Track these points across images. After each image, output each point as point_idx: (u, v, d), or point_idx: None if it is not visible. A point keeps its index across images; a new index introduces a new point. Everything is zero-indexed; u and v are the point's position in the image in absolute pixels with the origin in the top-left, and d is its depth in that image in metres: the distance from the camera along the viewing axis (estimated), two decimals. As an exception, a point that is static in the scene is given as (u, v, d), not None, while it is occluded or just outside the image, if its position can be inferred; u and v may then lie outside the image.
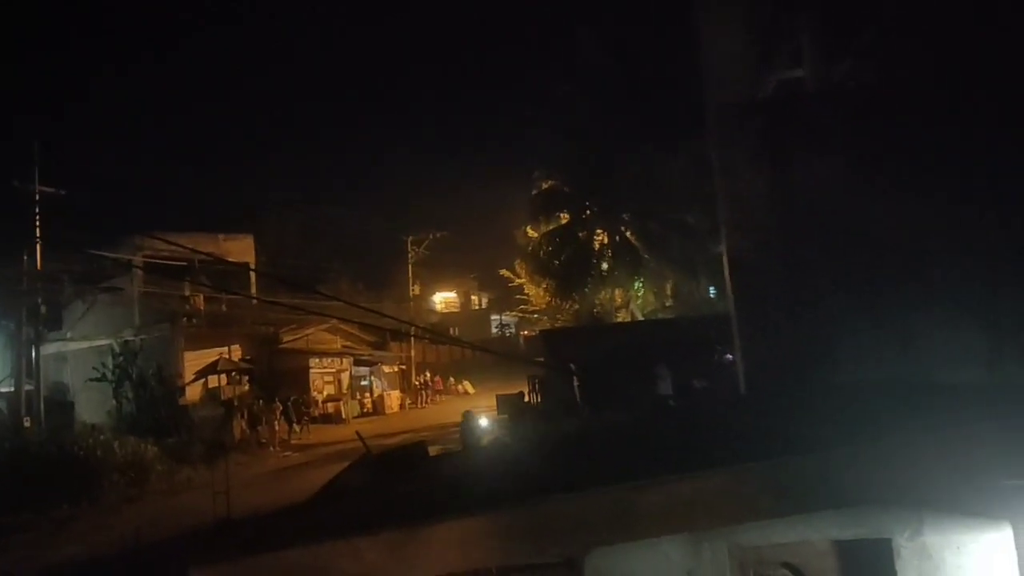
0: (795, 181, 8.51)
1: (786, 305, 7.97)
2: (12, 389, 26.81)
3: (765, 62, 11.08)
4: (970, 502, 4.24)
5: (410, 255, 45.15)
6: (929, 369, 7.06)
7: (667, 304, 28.72)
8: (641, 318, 27.63)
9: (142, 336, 29.64)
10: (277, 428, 28.06)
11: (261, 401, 29.02)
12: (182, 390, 28.94)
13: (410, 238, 44.95)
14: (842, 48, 10.49)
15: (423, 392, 41.23)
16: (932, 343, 7.23)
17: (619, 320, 28.32)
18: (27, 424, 25.17)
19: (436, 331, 45.62)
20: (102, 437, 22.25)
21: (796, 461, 4.29)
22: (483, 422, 20.29)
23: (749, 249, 8.53)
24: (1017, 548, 4.16)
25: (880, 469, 4.19)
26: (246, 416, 27.62)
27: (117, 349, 28.08)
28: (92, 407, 28.55)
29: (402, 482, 7.62)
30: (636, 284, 28.73)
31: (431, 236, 45.03)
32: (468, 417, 19.77)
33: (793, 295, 8.00)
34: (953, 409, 4.67)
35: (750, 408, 7.54)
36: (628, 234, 27.32)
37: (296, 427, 29.10)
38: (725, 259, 9.16)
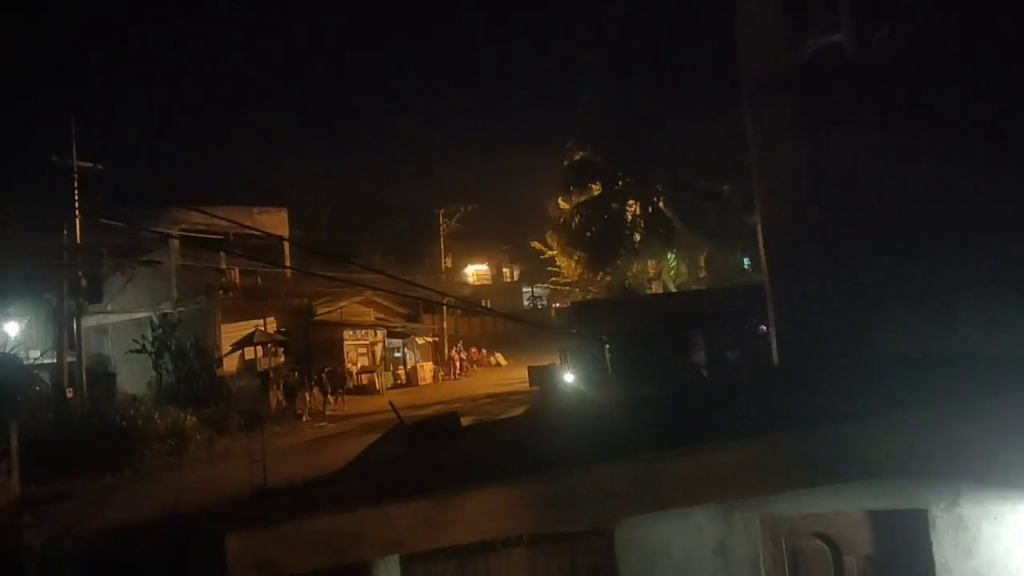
0: (831, 150, 8.37)
1: (821, 277, 7.87)
2: (55, 361, 27.48)
3: (801, 28, 10.85)
4: (1008, 473, 4.18)
5: (442, 228, 45.24)
6: (967, 341, 6.95)
7: (700, 276, 28.45)
8: (674, 290, 27.44)
9: (180, 308, 30.14)
10: (311, 399, 28.44)
11: (296, 372, 29.42)
12: (219, 361, 29.43)
13: (442, 211, 45.01)
14: (881, 12, 10.23)
15: (459, 363, 41.44)
16: (970, 315, 7.10)
17: (651, 292, 28.15)
18: (70, 395, 25.81)
19: (468, 302, 45.82)
20: (143, 407, 22.76)
21: (829, 432, 4.25)
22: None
23: (784, 220, 8.41)
24: (1056, 520, 4.10)
25: (916, 440, 4.14)
26: (282, 387, 28.03)
27: (156, 321, 28.60)
28: (132, 378, 29.19)
29: (435, 452, 7.69)
30: (669, 256, 28.48)
31: (463, 209, 45.07)
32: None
33: (828, 267, 7.89)
34: (991, 381, 4.59)
35: (783, 379, 7.48)
36: (661, 205, 27.03)
37: (331, 398, 29.47)
38: (759, 230, 9.04)
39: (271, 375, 28.77)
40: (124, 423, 21.21)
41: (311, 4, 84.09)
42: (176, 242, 30.06)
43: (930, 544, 4.34)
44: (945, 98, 8.07)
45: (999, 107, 7.75)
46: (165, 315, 28.98)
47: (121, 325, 32.23)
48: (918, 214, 7.76)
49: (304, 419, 27.06)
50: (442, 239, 45.52)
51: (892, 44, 10.73)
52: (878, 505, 4.44)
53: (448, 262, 47.42)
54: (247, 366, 30.69)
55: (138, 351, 28.21)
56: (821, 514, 4.52)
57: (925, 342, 7.09)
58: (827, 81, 9.26)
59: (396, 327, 38.51)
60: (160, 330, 28.32)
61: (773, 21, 9.15)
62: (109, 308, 32.29)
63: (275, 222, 36.79)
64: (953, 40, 9.08)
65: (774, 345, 8.72)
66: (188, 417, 23.00)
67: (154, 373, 28.00)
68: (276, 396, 27.57)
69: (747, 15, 9.22)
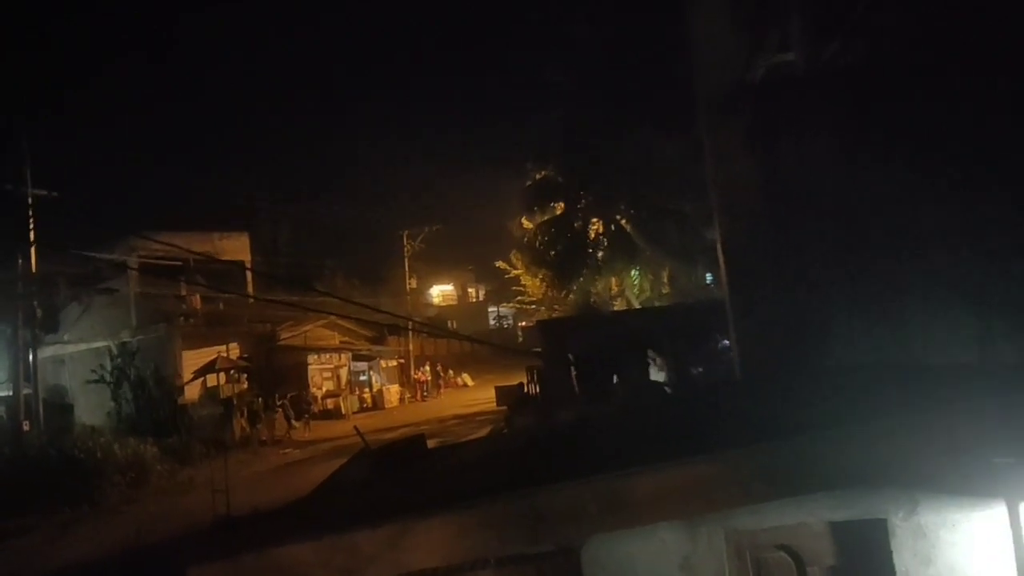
0: (786, 165, 8.53)
1: (779, 289, 8.00)
2: (10, 393, 26.80)
3: (754, 46, 11.07)
4: (964, 481, 4.26)
5: (406, 249, 45.12)
6: (921, 351, 7.10)
7: (664, 292, 28.70)
8: (637, 306, 27.63)
9: (139, 337, 29.63)
10: (275, 425, 28.08)
11: (260, 398, 29.04)
12: (181, 390, 28.95)
13: (406, 232, 44.92)
14: (830, 29, 10.48)
15: (426, 385, 41.22)
16: (923, 325, 7.26)
17: (616, 309, 28.31)
18: (26, 428, 25.16)
19: (433, 324, 45.66)
20: (102, 439, 22.28)
21: (790, 444, 4.31)
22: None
23: (741, 234, 8.55)
24: (1011, 524, 4.18)
25: (874, 450, 4.21)
26: (245, 414, 27.64)
27: (115, 350, 28.07)
28: (91, 409, 28.57)
29: (400, 476, 7.63)
30: (632, 273, 28.71)
31: (427, 229, 45.02)
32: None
33: (785, 279, 8.02)
34: (944, 390, 4.69)
35: (744, 393, 7.56)
36: (623, 223, 27.27)
37: (295, 423, 29.11)
38: (719, 245, 9.17)
39: (234, 402, 28.35)
40: (82, 455, 20.72)
41: (271, 28, 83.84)
42: (134, 270, 29.57)
43: (890, 553, 4.39)
44: (894, 111, 8.28)
45: (948, 120, 7.97)
46: (124, 344, 28.46)
47: (79, 355, 31.58)
48: (871, 226, 7.94)
49: (268, 446, 26.68)
50: (407, 260, 45.38)
51: (842, 59, 11.02)
52: (839, 516, 4.49)
53: (413, 283, 47.26)
54: (209, 393, 30.21)
55: (97, 381, 27.64)
56: (784, 526, 4.55)
57: (880, 352, 7.22)
58: (780, 98, 9.46)
59: (361, 350, 38.23)
60: (119, 359, 27.80)
61: (727, 41, 9.34)
62: (66, 338, 31.61)
63: (237, 247, 36.43)
64: (902, 54, 9.34)
65: (735, 359, 8.83)
66: (149, 447, 22.53)
67: (113, 403, 27.43)
68: (240, 423, 27.17)
69: (701, 36, 9.41)
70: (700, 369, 16.57)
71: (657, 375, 17.11)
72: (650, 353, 17.50)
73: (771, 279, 8.15)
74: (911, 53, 9.10)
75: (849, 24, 10.45)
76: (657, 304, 27.23)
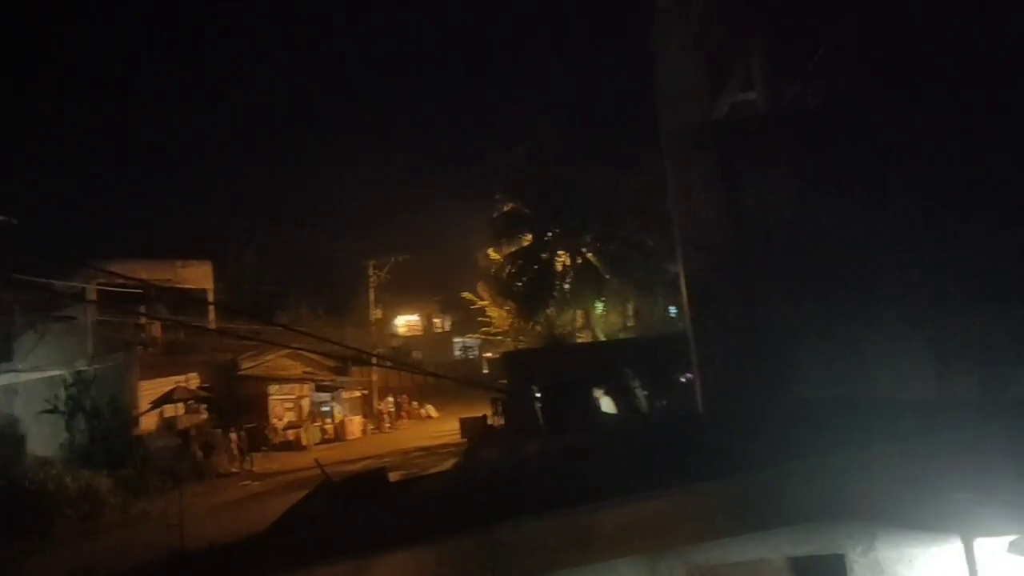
0: (749, 201, 8.64)
1: (741, 324, 8.06)
2: (-40, 423, 26.04)
3: (718, 85, 11.30)
4: (921, 516, 4.29)
5: (371, 279, 44.88)
6: (880, 386, 7.18)
7: (628, 324, 28.87)
8: (603, 338, 27.74)
9: (96, 366, 28.98)
10: (234, 457, 27.58)
11: (219, 430, 28.51)
12: (137, 420, 28.30)
13: (371, 262, 44.71)
14: (792, 71, 10.74)
15: (392, 416, 40.89)
16: (883, 360, 7.36)
17: (581, 341, 28.39)
18: (-25, 459, 24.40)
19: (398, 355, 45.31)
20: (53, 470, 21.68)
21: (750, 480, 4.32)
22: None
23: (704, 268, 8.62)
24: (967, 560, 4.21)
25: (832, 485, 4.23)
26: (202, 445, 27.11)
27: (70, 380, 27.43)
28: (44, 440, 27.77)
29: (361, 510, 7.51)
30: (598, 305, 28.87)
31: (392, 260, 44.86)
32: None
33: (748, 314, 8.08)
34: (903, 425, 4.74)
35: (707, 426, 7.59)
36: (589, 255, 27.48)
37: (253, 455, 28.58)
38: (682, 279, 9.25)
39: (192, 433, 27.80)
40: (33, 487, 20.14)
41: (233, 49, 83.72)
42: (93, 297, 29.01)
43: (849, 588, 4.41)
44: (853, 151, 8.47)
45: (906, 160, 8.18)
46: (79, 373, 27.82)
47: (32, 384, 30.73)
48: (832, 262, 8.06)
49: (226, 478, 26.15)
50: (372, 290, 45.12)
51: (803, 100, 11.28)
52: (799, 551, 4.50)
53: (378, 313, 46.93)
54: (167, 424, 29.56)
55: (50, 411, 26.94)
56: (745, 562, 4.55)
57: (840, 386, 7.30)
58: (743, 134, 9.63)
59: (324, 381, 37.80)
60: (74, 388, 27.16)
61: (691, 79, 9.50)
62: (20, 367, 30.80)
63: (199, 274, 35.94)
64: (861, 96, 9.59)
65: (698, 392, 8.86)
66: (102, 479, 21.97)
67: (67, 434, 26.73)
68: (197, 455, 26.63)
69: (666, 73, 9.56)
70: (664, 402, 16.63)
71: (622, 407, 17.12)
72: (614, 386, 17.53)
73: (733, 313, 8.22)
74: (868, 96, 9.35)
75: (809, 68, 10.74)
76: (622, 336, 27.36)
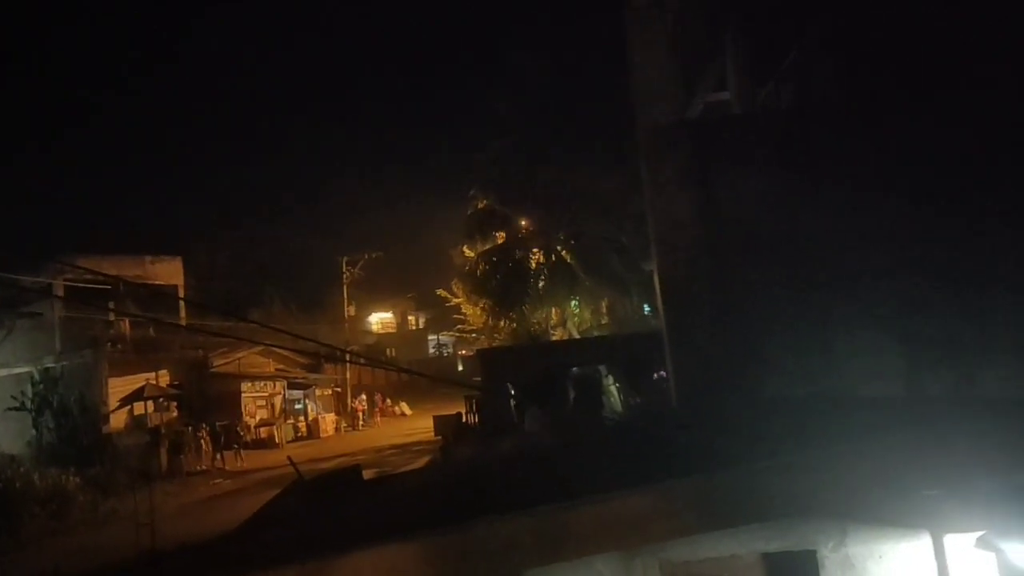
0: (722, 199, 8.71)
1: (714, 321, 8.12)
2: (-78, 420, 25.53)
3: (693, 85, 11.37)
4: (891, 512, 4.35)
5: (345, 276, 44.61)
6: (850, 383, 7.27)
7: (603, 322, 28.93)
8: (577, 336, 27.78)
9: (63, 363, 28.52)
10: (204, 455, 27.29)
11: (190, 428, 28.19)
12: (106, 418, 27.91)
13: (345, 258, 44.44)
14: (764, 72, 10.84)
15: (366, 413, 40.67)
16: (854, 358, 7.45)
17: (556, 338, 28.42)
18: (-60, 458, 23.93)
19: (372, 352, 45.11)
20: (21, 468, 21.34)
21: (722, 477, 4.35)
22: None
23: (678, 266, 8.68)
24: (935, 556, 4.27)
25: (803, 482, 4.27)
26: (172, 443, 26.79)
27: (37, 377, 27.00)
28: (11, 438, 27.27)
29: (334, 508, 7.46)
30: (572, 302, 28.89)
31: (366, 256, 44.62)
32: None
33: (721, 311, 8.15)
34: (873, 422, 4.80)
35: (680, 424, 7.63)
36: (564, 253, 27.50)
37: (226, 453, 28.30)
38: (656, 276, 9.30)
39: (162, 431, 27.47)
40: (1, 486, 19.78)
41: (208, 47, 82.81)
42: (60, 293, 28.55)
43: (820, 584, 4.45)
44: (823, 148, 8.57)
45: (875, 157, 8.28)
46: (47, 370, 27.38)
47: (-2, 381, 30.24)
48: (803, 261, 8.15)
49: (198, 476, 25.88)
50: (345, 287, 44.84)
51: (775, 100, 11.39)
52: (771, 547, 4.54)
53: (352, 310, 46.65)
54: (136, 422, 29.19)
55: (17, 408, 26.49)
56: (718, 558, 4.59)
57: (811, 383, 7.38)
58: (717, 133, 9.70)
59: (297, 378, 37.52)
60: (41, 386, 26.74)
61: (665, 79, 9.55)
62: (-15, 363, 30.28)
63: (169, 271, 35.50)
64: (831, 96, 9.69)
65: (672, 389, 8.92)
66: (71, 478, 21.62)
67: (34, 432, 26.32)
68: (167, 453, 26.32)
69: (641, 73, 9.60)
70: (638, 399, 16.71)
71: (594, 404, 17.18)
72: (587, 384, 17.59)
73: (707, 310, 8.28)
74: (838, 97, 9.46)
75: (781, 68, 10.85)
76: (597, 334, 27.42)
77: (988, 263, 7.59)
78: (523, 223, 28.45)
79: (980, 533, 4.15)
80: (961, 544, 4.24)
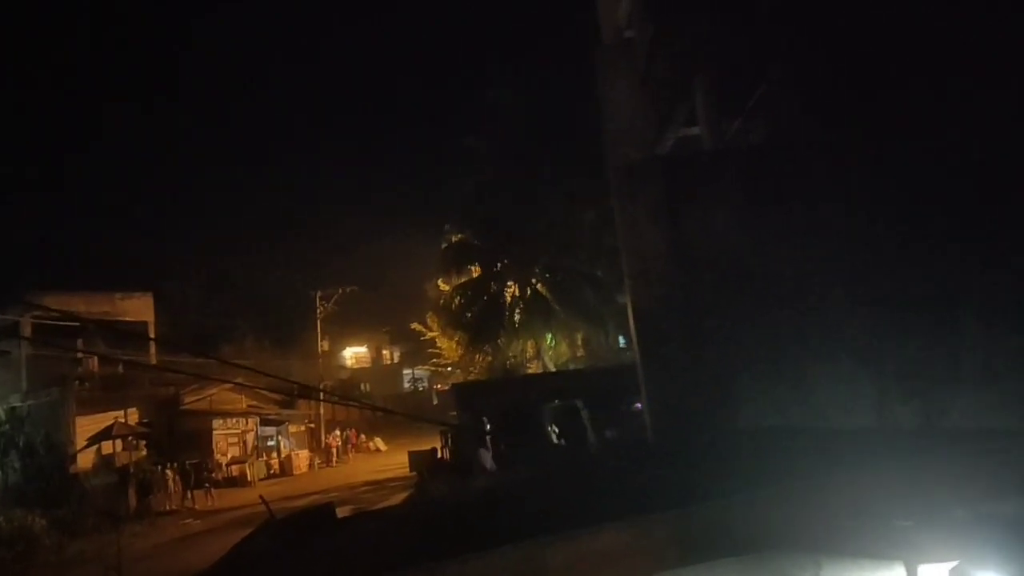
0: (693, 233, 8.81)
1: (687, 354, 8.16)
2: None
3: (663, 121, 11.55)
4: (865, 544, 4.36)
5: (319, 310, 44.32)
6: (823, 415, 7.32)
7: (578, 355, 28.96)
8: (553, 369, 27.77)
9: (30, 401, 28.01)
10: (174, 494, 26.76)
11: (159, 467, 27.66)
12: (73, 458, 27.34)
13: (318, 293, 44.18)
14: (734, 108, 11.04)
15: (340, 450, 40.17)
16: (825, 390, 7.51)
17: (532, 371, 28.38)
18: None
19: (346, 387, 44.66)
20: (-16, 511, 20.84)
21: (698, 511, 4.35)
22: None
23: (651, 299, 8.74)
24: (910, 587, 4.28)
25: (778, 514, 4.28)
26: (140, 483, 26.26)
27: (3, 416, 26.48)
28: (-26, 479, 26.68)
29: (307, 547, 7.34)
30: (548, 335, 28.92)
31: (340, 291, 44.39)
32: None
33: (694, 344, 8.20)
34: (845, 454, 4.84)
35: (655, 456, 7.63)
36: (539, 286, 27.59)
37: (191, 493, 27.76)
38: (630, 310, 9.35)
39: (131, 470, 26.91)
40: (-38, 528, 19.32)
41: (182, 73, 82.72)
42: (27, 332, 28.07)
43: (797, 618, 4.44)
44: (792, 182, 8.71)
45: (844, 190, 8.43)
46: (13, 409, 26.87)
47: (-38, 420, 29.54)
48: (776, 293, 8.24)
49: (167, 516, 25.34)
50: (319, 322, 44.52)
51: (744, 136, 11.59)
52: (747, 581, 4.53)
53: (325, 345, 46.28)
54: (104, 461, 28.58)
55: (-19, 449, 25.95)
56: (695, 593, 4.56)
57: (784, 415, 7.42)
58: (688, 169, 9.84)
59: (269, 414, 37.01)
60: (7, 425, 26.23)
61: (636, 116, 9.71)
62: (-51, 402, 29.61)
63: (139, 307, 35.08)
64: (799, 132, 9.88)
65: (648, 422, 8.93)
66: (37, 519, 21.16)
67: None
68: (135, 493, 25.77)
69: (613, 110, 9.76)
70: (612, 432, 16.69)
71: (571, 437, 17.12)
72: (564, 417, 17.55)
73: (680, 342, 8.33)
74: (806, 132, 9.64)
75: (750, 105, 11.06)
76: (572, 367, 27.42)
77: (956, 294, 7.72)
78: (498, 257, 28.55)
79: (954, 563, 4.17)
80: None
